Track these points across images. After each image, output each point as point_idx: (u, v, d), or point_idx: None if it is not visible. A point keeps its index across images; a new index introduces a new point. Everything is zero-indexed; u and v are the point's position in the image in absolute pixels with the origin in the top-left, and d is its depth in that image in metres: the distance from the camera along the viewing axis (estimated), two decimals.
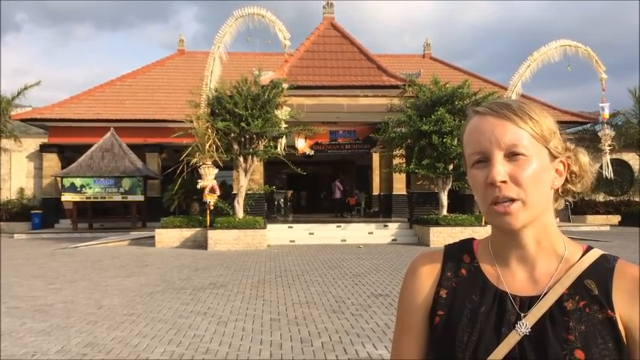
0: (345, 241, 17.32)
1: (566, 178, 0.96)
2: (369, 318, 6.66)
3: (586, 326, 0.87)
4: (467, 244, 1.04)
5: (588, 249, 0.96)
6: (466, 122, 0.98)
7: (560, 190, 0.97)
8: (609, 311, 0.88)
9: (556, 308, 0.90)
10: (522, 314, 0.91)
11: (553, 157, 0.93)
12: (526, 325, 0.89)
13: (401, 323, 1.02)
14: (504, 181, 0.88)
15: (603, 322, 0.87)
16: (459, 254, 1.03)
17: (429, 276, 1.01)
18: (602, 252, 0.95)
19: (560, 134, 0.96)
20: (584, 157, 0.98)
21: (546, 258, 0.94)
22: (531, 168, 0.89)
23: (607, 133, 17.95)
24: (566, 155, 0.95)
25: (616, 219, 24.73)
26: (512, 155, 0.89)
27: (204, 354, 5.18)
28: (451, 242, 1.08)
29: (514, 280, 0.95)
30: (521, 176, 0.88)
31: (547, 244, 0.94)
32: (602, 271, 0.92)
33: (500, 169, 0.88)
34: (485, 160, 0.91)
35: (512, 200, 0.88)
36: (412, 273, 1.03)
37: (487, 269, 0.98)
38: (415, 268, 1.04)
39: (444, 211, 17.16)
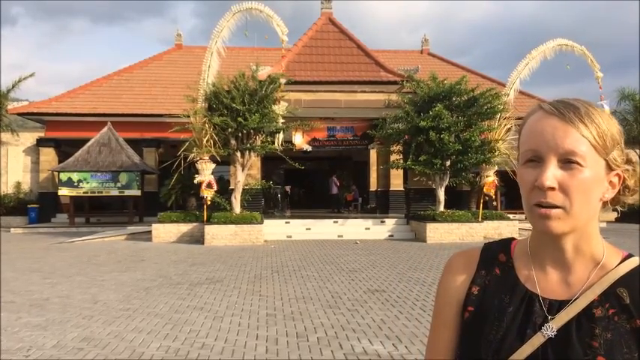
0: (341, 236, 17.33)
1: (619, 189, 0.92)
2: (365, 313, 6.68)
3: (612, 335, 0.86)
4: (505, 243, 1.04)
5: (628, 256, 0.94)
6: (528, 114, 0.95)
7: (609, 200, 0.93)
8: (638, 321, 0.86)
9: (584, 314, 0.89)
10: (550, 317, 0.90)
11: (610, 168, 0.90)
12: (552, 328, 0.89)
13: (437, 317, 1.04)
14: (552, 188, 0.86)
15: (631, 331, 0.86)
16: (495, 253, 1.03)
17: (463, 272, 1.02)
18: None
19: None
20: None
21: (583, 263, 0.93)
22: (583, 179, 0.86)
23: None
24: (624, 168, 0.91)
25: (613, 215, 24.80)
26: (566, 162, 0.86)
27: (200, 349, 5.19)
28: (490, 241, 1.08)
29: (547, 283, 0.94)
30: (570, 186, 0.86)
31: (586, 250, 0.92)
32: (636, 280, 0.90)
33: (551, 174, 0.86)
34: (537, 160, 0.89)
35: (556, 207, 0.87)
36: (449, 269, 1.05)
37: (521, 270, 0.98)
38: (452, 264, 1.06)
39: (441, 207, 17.19)
